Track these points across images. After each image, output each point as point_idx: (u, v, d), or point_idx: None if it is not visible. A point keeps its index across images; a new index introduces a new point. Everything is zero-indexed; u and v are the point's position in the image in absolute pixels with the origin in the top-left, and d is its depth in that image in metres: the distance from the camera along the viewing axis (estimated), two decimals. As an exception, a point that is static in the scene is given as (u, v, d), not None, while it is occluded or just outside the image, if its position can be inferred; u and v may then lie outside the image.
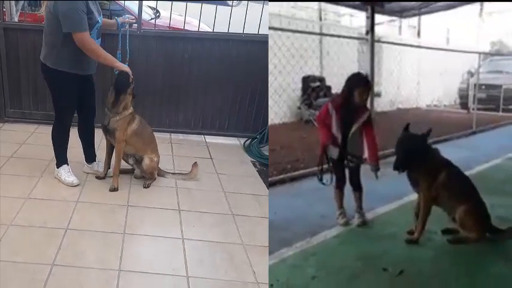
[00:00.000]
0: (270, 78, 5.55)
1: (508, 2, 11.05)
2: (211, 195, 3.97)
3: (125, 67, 3.67)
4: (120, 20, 4.03)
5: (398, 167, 2.96)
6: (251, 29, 5.00)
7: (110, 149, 4.01)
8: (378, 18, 5.54)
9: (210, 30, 5.41)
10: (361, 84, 3.19)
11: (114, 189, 3.84)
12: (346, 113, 3.22)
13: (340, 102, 3.24)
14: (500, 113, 9.91)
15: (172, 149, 4.92)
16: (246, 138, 5.20)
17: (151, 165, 4.00)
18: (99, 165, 4.12)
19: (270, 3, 7.66)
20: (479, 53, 8.79)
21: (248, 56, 5.04)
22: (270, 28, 4.56)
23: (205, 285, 2.85)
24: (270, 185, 4.27)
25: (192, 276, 2.88)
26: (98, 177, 4.03)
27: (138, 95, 4.31)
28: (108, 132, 3.89)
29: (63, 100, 3.71)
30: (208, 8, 5.10)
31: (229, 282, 2.87)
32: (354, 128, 3.23)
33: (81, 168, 4.12)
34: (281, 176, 4.47)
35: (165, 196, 3.88)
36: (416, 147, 2.96)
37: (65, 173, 3.88)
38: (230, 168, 4.52)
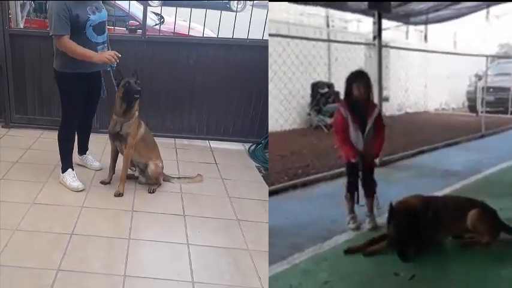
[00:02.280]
0: (280, 84, 5.55)
1: None
2: (216, 200, 3.96)
3: (105, 57, 3.53)
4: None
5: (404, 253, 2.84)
6: (255, 35, 5.02)
7: (115, 154, 4.03)
8: (385, 23, 5.52)
9: (215, 35, 5.42)
10: (356, 78, 3.21)
11: (119, 195, 3.84)
12: (358, 110, 3.22)
13: (347, 102, 3.25)
14: (509, 116, 9.80)
15: (177, 154, 4.92)
16: (251, 144, 5.20)
17: (157, 171, 4.00)
18: (88, 158, 4.27)
19: (276, 10, 7.72)
20: (487, 56, 8.68)
21: (252, 61, 5.04)
22: (270, 35, 4.57)
23: (211, 290, 2.84)
24: (282, 190, 4.27)
25: (197, 282, 2.87)
26: (102, 183, 4.04)
27: (142, 102, 4.34)
28: (120, 138, 3.86)
29: (70, 102, 3.74)
30: (213, 13, 5.10)
31: (234, 288, 2.86)
32: (369, 124, 3.22)
33: (86, 173, 4.14)
34: (292, 182, 4.47)
35: (169, 201, 3.87)
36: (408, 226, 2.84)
37: (70, 178, 3.89)
38: (235, 174, 4.51)
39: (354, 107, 3.22)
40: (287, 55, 5.18)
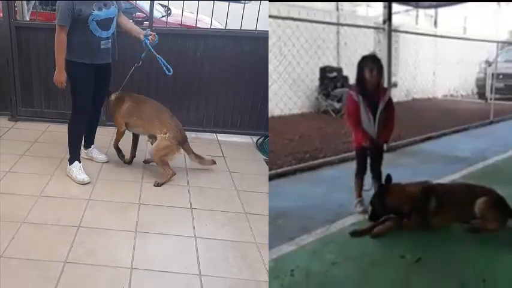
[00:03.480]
0: (288, 68, 5.50)
1: None
2: (223, 193, 3.93)
3: (60, 77, 3.69)
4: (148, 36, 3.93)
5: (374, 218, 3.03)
6: (264, 26, 4.96)
7: (135, 138, 4.24)
8: (395, 7, 5.45)
9: (222, 27, 5.37)
10: (368, 60, 3.19)
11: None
12: (370, 94, 3.20)
13: (359, 86, 3.22)
14: None
15: (184, 147, 4.89)
16: (259, 136, 5.16)
17: (158, 147, 3.93)
18: (93, 151, 4.29)
19: None
20: (498, 42, 8.60)
21: (260, 53, 4.98)
22: (288, 18, 4.53)
23: (218, 283, 2.81)
24: (290, 173, 4.27)
25: (205, 275, 2.84)
26: (125, 163, 4.27)
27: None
28: None
29: (78, 91, 3.78)
30: (220, 5, 5.05)
31: (242, 281, 2.83)
32: (381, 108, 3.21)
33: (93, 166, 4.13)
34: (300, 165, 4.49)
35: (177, 194, 3.85)
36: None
37: (77, 171, 3.88)
38: (243, 167, 4.48)
39: (365, 90, 3.19)
40: (296, 38, 5.12)
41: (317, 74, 8.32)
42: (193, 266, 2.92)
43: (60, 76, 3.70)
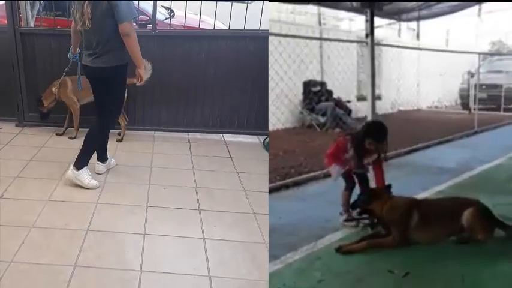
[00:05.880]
0: (271, 83, 5.53)
1: (507, 1, 10.92)
2: (231, 194, 3.92)
3: (143, 70, 3.65)
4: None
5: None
6: (267, 26, 4.95)
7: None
8: (377, 21, 5.52)
9: (226, 27, 5.36)
10: (374, 136, 3.21)
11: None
12: (360, 150, 3.24)
13: (354, 143, 3.25)
14: (502, 113, 9.95)
15: (191, 148, 4.89)
16: (266, 136, 5.15)
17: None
18: (111, 161, 4.21)
19: (268, 9, 7.64)
20: (479, 53, 8.88)
21: (265, 52, 4.97)
22: (270, 34, 4.54)
23: (228, 284, 2.80)
24: (275, 189, 4.23)
25: (214, 276, 2.83)
26: (57, 134, 4.92)
27: (154, 96, 4.35)
28: None
29: (119, 97, 3.78)
30: (224, 5, 5.05)
31: (252, 282, 2.81)
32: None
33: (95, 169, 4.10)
34: (285, 181, 4.45)
35: (184, 195, 3.84)
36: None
37: (86, 176, 3.83)
38: (250, 167, 4.46)
39: (358, 147, 3.23)
40: (279, 53, 5.14)
41: (300, 89, 8.37)
42: (202, 267, 2.91)
43: (142, 70, 3.61)
